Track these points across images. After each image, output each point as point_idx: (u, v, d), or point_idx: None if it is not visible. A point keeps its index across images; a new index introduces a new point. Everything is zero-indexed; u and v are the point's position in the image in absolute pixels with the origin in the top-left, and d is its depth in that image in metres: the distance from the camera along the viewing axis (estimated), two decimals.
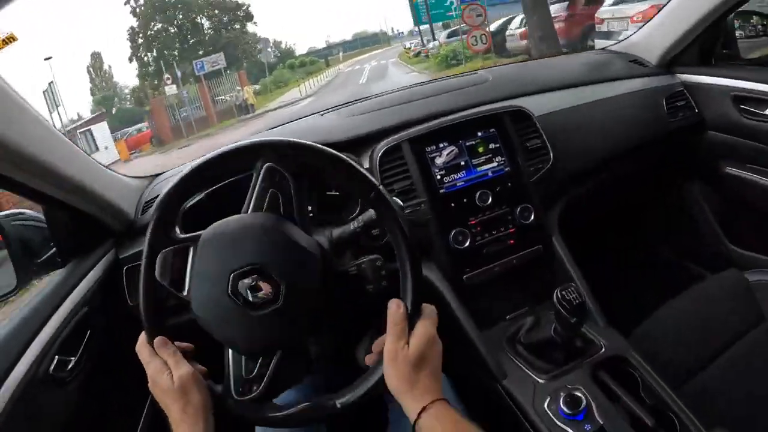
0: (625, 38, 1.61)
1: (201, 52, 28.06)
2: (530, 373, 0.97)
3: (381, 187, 0.75)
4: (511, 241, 1.12)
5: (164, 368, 0.72)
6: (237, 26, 32.04)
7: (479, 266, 1.11)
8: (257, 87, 26.13)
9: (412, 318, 0.72)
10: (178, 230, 0.76)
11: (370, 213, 0.82)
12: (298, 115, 1.43)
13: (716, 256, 1.58)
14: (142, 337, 0.77)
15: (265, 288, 0.69)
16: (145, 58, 30.41)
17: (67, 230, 1.07)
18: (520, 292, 1.16)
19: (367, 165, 1.12)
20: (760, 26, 1.45)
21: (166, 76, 21.44)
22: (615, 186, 1.46)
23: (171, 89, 21.14)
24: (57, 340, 0.89)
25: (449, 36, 17.33)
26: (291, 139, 0.77)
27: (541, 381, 0.95)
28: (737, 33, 1.43)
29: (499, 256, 1.12)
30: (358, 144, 1.17)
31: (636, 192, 1.66)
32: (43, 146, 0.86)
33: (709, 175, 1.52)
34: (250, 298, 0.68)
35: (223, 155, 0.77)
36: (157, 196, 1.16)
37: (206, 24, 31.47)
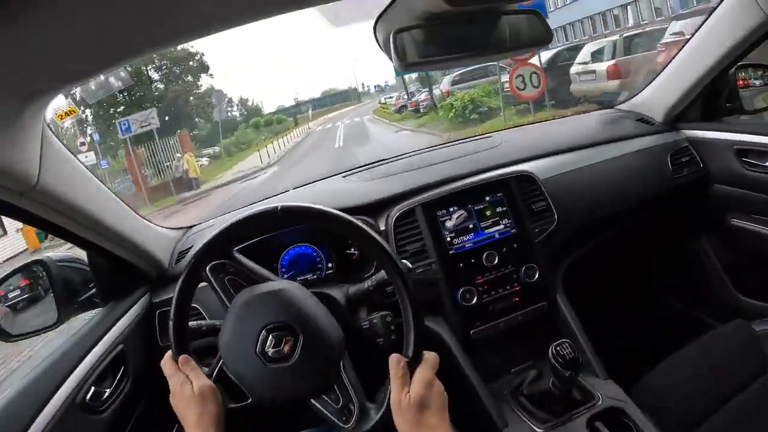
0: (630, 98, 1.67)
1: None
2: (530, 423, 1.03)
3: (389, 249, 0.84)
4: (516, 299, 1.18)
5: (186, 380, 0.81)
6: (189, 78, 26.01)
7: (486, 322, 1.18)
8: (215, 149, 21.14)
9: (413, 366, 0.78)
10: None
11: (383, 273, 0.90)
12: (322, 176, 1.53)
13: (724, 306, 1.61)
14: (168, 354, 0.86)
15: (287, 345, 0.79)
16: (84, 116, 20.41)
17: (107, 274, 1.17)
18: (524, 347, 1.22)
19: (383, 227, 1.21)
20: (760, 78, 1.49)
21: (80, 140, 14.19)
22: (620, 241, 1.51)
23: (88, 157, 13.53)
24: (94, 373, 0.97)
25: (455, 82, 13.32)
26: (311, 205, 0.86)
27: (539, 430, 1.00)
28: (741, 85, 1.46)
29: (505, 313, 1.18)
30: (376, 207, 1.26)
31: (641, 245, 1.71)
32: (90, 199, 0.97)
33: (717, 226, 1.56)
34: (270, 352, 0.78)
35: (247, 219, 0.87)
36: (191, 246, 1.28)
37: (155, 76, 25.14)
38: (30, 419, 0.80)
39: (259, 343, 0.78)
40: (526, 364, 1.20)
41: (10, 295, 1.24)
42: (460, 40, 0.86)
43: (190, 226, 1.46)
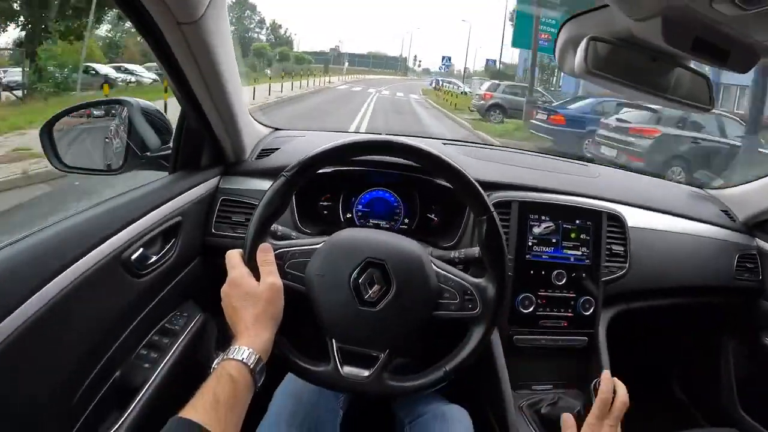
0: (726, 186, 1.68)
1: None
2: None
3: (495, 213, 0.85)
4: (565, 323, 1.20)
5: (251, 274, 0.77)
6: None
7: (531, 334, 1.20)
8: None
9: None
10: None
11: (474, 251, 0.90)
12: (424, 134, 1.53)
13: (722, 413, 1.64)
14: (239, 250, 0.82)
15: (378, 283, 0.79)
16: None
17: (189, 142, 1.16)
18: (551, 370, 1.24)
19: None
20: None
21: None
22: (666, 313, 1.53)
23: None
24: (146, 236, 0.96)
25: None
26: (427, 148, 0.85)
27: None
28: None
29: (550, 333, 1.20)
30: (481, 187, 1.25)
31: (680, 325, 1.72)
32: (226, 60, 0.97)
33: (748, 339, 1.58)
34: (370, 297, 0.78)
35: (368, 143, 0.86)
36: (277, 148, 1.27)
37: None
38: (71, 260, 0.78)
39: (355, 296, 0.79)
40: (548, 386, 1.22)
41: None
42: (637, 71, 0.86)
43: (278, 129, 1.46)
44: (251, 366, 0.69)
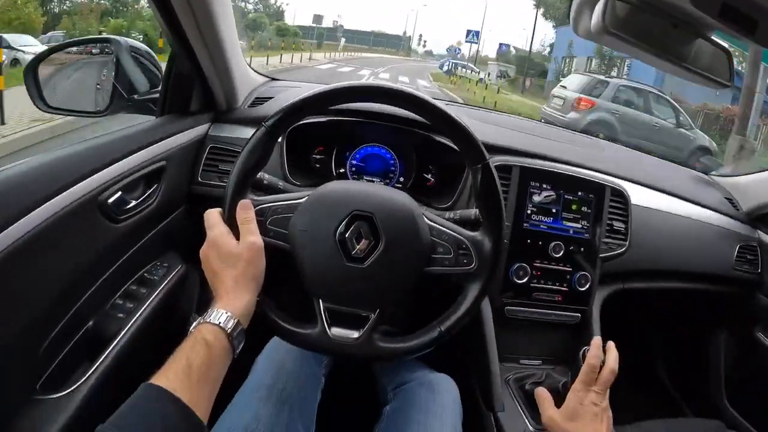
0: (732, 175, 1.65)
1: None
2: (524, 418, 1.03)
3: (491, 162, 0.80)
4: (559, 298, 1.17)
5: (230, 233, 0.73)
6: None
7: (523, 306, 1.16)
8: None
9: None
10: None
11: (470, 212, 0.86)
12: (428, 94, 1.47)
13: (708, 403, 1.63)
14: (218, 209, 0.77)
15: (366, 237, 0.74)
16: None
17: (179, 85, 1.10)
18: (541, 345, 1.21)
19: None
20: None
21: None
22: (662, 299, 1.51)
23: None
24: (126, 179, 0.90)
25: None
26: (417, 93, 0.80)
27: (531, 429, 1.01)
28: None
29: (543, 306, 1.17)
30: None
31: (675, 313, 1.71)
32: (222, 5, 0.92)
33: (740, 331, 1.56)
34: (358, 252, 0.73)
35: (353, 89, 0.81)
36: (271, 97, 1.21)
37: None
38: (42, 198, 0.72)
39: (342, 251, 0.74)
40: (537, 362, 1.20)
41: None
42: (656, 36, 0.80)
43: (274, 78, 1.40)
44: (229, 331, 0.65)
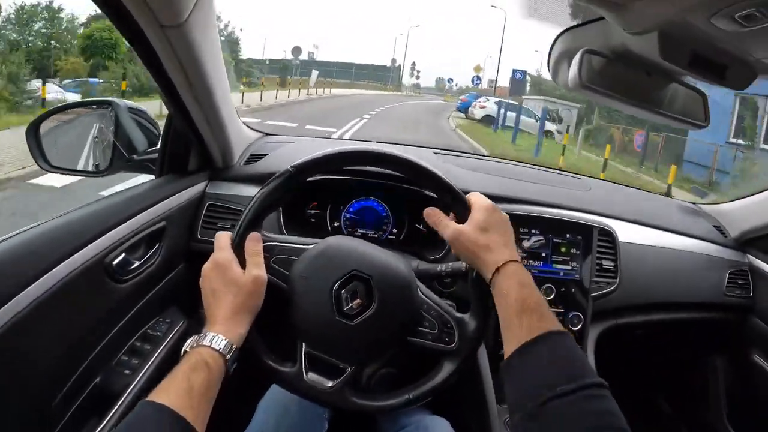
0: (718, 202, 1.67)
1: None
2: None
3: (453, 185, 0.82)
4: None
5: (236, 261, 0.75)
6: None
7: None
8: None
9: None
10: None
11: (461, 265, 0.88)
12: (412, 142, 1.51)
13: (711, 430, 1.62)
14: (229, 233, 0.79)
15: (360, 297, 0.76)
16: None
17: (176, 145, 1.14)
18: None
19: None
20: None
21: None
22: (656, 331, 1.52)
23: None
24: (129, 241, 0.94)
25: None
26: (408, 157, 0.83)
27: None
28: None
29: None
30: None
31: (670, 343, 1.71)
32: (213, 64, 0.95)
33: (737, 356, 1.57)
34: (349, 310, 0.75)
35: (345, 154, 0.83)
36: (266, 154, 1.27)
37: None
38: (51, 264, 0.76)
39: (335, 305, 0.75)
40: None
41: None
42: (631, 85, 0.85)
43: (268, 134, 1.45)
44: (228, 357, 0.68)
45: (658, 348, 1.75)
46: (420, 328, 0.79)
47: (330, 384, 0.77)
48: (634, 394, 1.75)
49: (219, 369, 0.66)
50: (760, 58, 0.75)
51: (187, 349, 0.68)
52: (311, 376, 0.77)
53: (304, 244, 0.82)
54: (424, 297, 0.81)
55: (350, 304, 0.75)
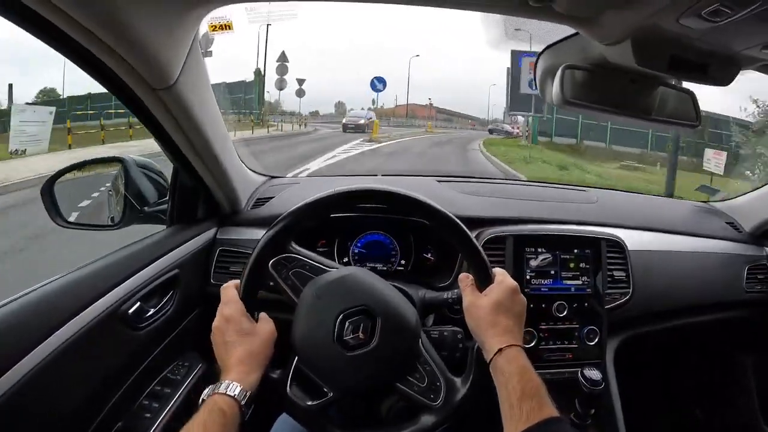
0: (729, 198, 1.65)
1: None
2: None
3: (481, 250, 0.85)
4: (570, 355, 1.17)
5: (245, 312, 0.78)
6: None
7: (535, 369, 1.15)
8: None
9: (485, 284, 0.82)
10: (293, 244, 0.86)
11: None
12: (415, 172, 1.54)
13: (747, 429, 1.57)
14: (234, 281, 0.82)
15: (365, 329, 0.77)
16: None
17: (184, 196, 1.18)
18: (559, 404, 1.19)
19: None
20: None
21: None
22: (678, 336, 1.49)
23: None
24: (144, 289, 0.97)
25: None
26: (412, 195, 0.85)
27: None
28: None
29: (555, 366, 1.16)
30: (469, 224, 1.25)
31: (695, 347, 1.67)
32: (208, 118, 0.99)
33: (766, 352, 1.53)
34: (349, 340, 0.76)
35: (355, 192, 0.86)
36: (272, 197, 1.30)
37: None
38: (69, 316, 0.80)
39: (336, 332, 0.76)
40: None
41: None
42: (617, 94, 0.86)
43: (273, 176, 1.48)
44: (242, 402, 0.70)
45: (682, 354, 1.71)
46: (409, 378, 0.80)
47: (309, 403, 0.78)
48: (666, 403, 1.70)
49: (234, 415, 0.68)
50: (740, 50, 0.76)
51: (205, 398, 0.70)
52: (294, 390, 0.79)
53: (327, 266, 0.85)
54: (424, 349, 0.82)
55: (351, 335, 0.76)
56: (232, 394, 0.69)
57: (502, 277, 0.83)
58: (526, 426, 0.66)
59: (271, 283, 0.84)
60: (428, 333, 0.87)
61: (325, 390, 0.79)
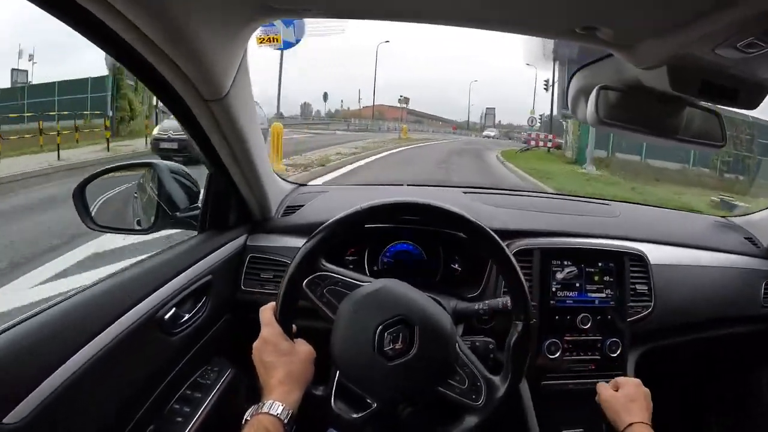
0: (748, 213, 1.67)
1: None
2: None
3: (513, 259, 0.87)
4: (592, 366, 1.20)
5: (283, 333, 0.80)
6: None
7: (558, 379, 1.19)
8: None
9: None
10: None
11: (498, 302, 0.91)
12: (441, 182, 1.56)
13: None
14: (272, 304, 0.84)
15: (405, 338, 0.78)
16: None
17: (217, 202, 1.20)
18: (579, 413, 1.21)
19: None
20: None
21: None
22: (697, 350, 1.51)
23: None
24: (179, 296, 1.00)
25: None
26: (450, 207, 0.88)
27: None
28: None
29: (578, 377, 1.20)
30: (498, 236, 1.28)
31: (714, 361, 1.68)
32: (251, 128, 1.02)
33: None
34: (389, 350, 0.78)
35: (389, 206, 0.88)
36: (302, 205, 1.33)
37: None
38: (107, 323, 0.82)
39: (376, 343, 0.77)
40: (578, 431, 1.21)
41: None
42: (648, 115, 0.88)
43: (301, 184, 1.51)
44: (285, 421, 0.71)
45: (701, 367, 1.72)
46: (450, 381, 0.82)
47: (354, 415, 0.81)
48: (683, 416, 1.71)
49: None
50: None
51: (248, 417, 0.72)
52: (339, 404, 0.81)
53: (359, 281, 0.87)
54: (461, 352, 0.84)
55: (391, 346, 0.78)
56: (275, 414, 0.71)
57: (626, 380, 1.00)
58: None
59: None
60: (459, 343, 0.89)
61: (369, 401, 0.81)
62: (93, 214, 1.19)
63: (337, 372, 0.83)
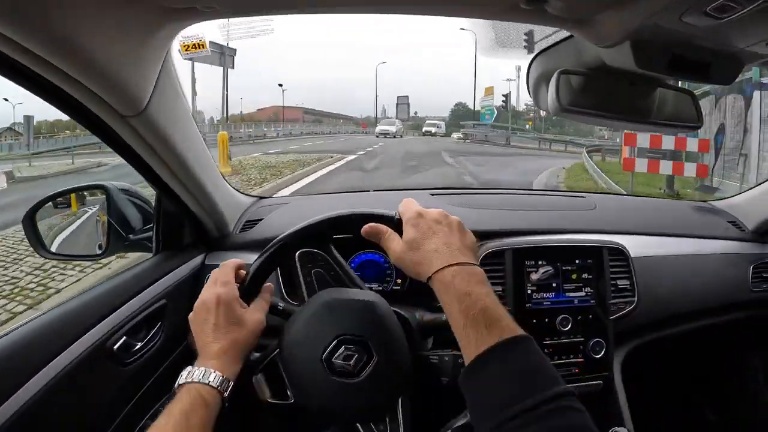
0: (728, 196, 1.63)
1: None
2: None
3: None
4: (576, 370, 1.13)
5: (238, 298, 0.74)
6: None
7: None
8: None
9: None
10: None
11: None
12: (408, 186, 1.52)
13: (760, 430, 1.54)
14: (234, 262, 0.79)
15: (356, 361, 0.71)
16: None
17: (170, 222, 1.13)
18: None
19: None
20: None
21: None
22: (686, 341, 1.45)
23: None
24: (129, 323, 0.92)
25: None
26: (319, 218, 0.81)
27: None
28: None
29: None
30: None
31: (704, 350, 1.64)
32: (186, 141, 0.94)
33: None
34: (337, 363, 0.71)
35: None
36: (260, 219, 1.26)
37: None
38: (53, 355, 0.76)
39: (327, 350, 0.71)
40: None
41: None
42: (614, 99, 0.82)
43: (261, 197, 1.44)
44: (224, 393, 0.67)
45: (691, 358, 1.68)
46: (372, 425, 0.74)
47: (269, 399, 0.75)
48: (676, 409, 1.67)
49: (216, 406, 0.66)
50: (743, 47, 0.73)
51: (182, 382, 0.67)
52: (259, 378, 0.75)
53: (350, 282, 0.84)
54: (400, 411, 0.77)
55: (342, 360, 0.71)
56: (216, 385, 0.66)
57: (402, 209, 0.75)
58: (475, 354, 0.59)
59: None
60: (427, 358, 0.82)
61: (288, 394, 0.74)
62: (45, 241, 1.13)
63: (277, 351, 0.75)
